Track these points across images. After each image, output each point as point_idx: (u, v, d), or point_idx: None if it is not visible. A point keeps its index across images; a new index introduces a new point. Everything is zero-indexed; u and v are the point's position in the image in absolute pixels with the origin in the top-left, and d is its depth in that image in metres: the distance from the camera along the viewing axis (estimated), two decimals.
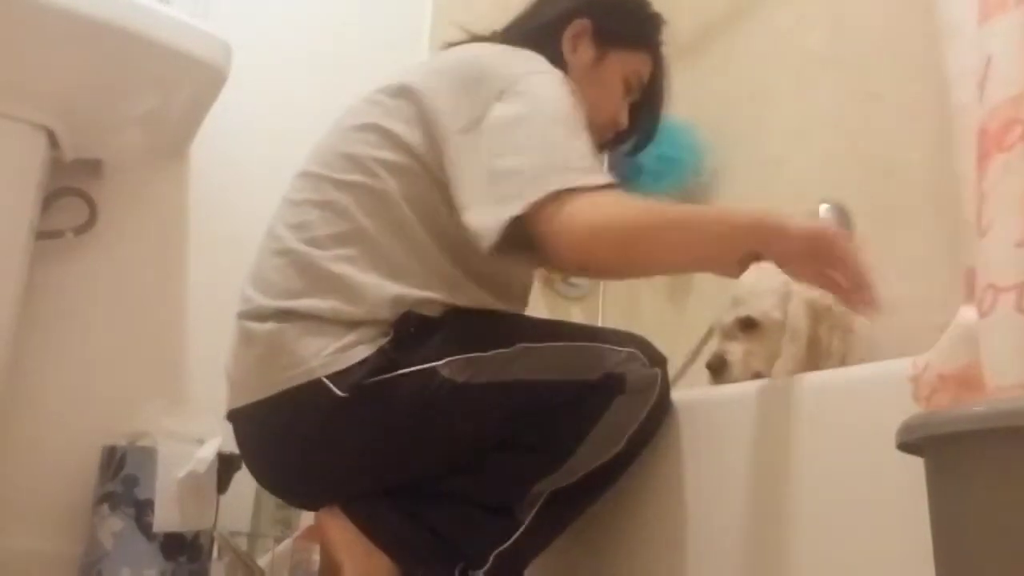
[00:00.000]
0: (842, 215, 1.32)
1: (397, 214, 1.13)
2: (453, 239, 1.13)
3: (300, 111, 1.28)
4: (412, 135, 1.14)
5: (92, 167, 1.74)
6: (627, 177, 2.30)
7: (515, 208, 1.03)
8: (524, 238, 1.05)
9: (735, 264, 1.08)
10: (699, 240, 1.07)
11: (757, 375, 1.22)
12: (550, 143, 1.08)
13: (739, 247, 1.06)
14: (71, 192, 1.71)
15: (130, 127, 1.66)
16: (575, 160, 1.07)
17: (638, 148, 1.45)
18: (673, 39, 2.27)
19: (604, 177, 1.07)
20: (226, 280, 1.21)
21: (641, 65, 1.36)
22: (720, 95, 2.39)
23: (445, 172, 1.12)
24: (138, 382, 1.73)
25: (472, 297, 1.16)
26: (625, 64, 1.34)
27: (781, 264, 1.07)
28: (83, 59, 1.44)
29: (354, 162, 1.16)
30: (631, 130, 1.39)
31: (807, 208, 1.33)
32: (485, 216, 1.06)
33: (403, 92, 1.18)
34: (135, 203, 1.80)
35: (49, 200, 1.64)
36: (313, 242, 1.13)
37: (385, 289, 1.10)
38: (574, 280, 2.23)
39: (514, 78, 1.12)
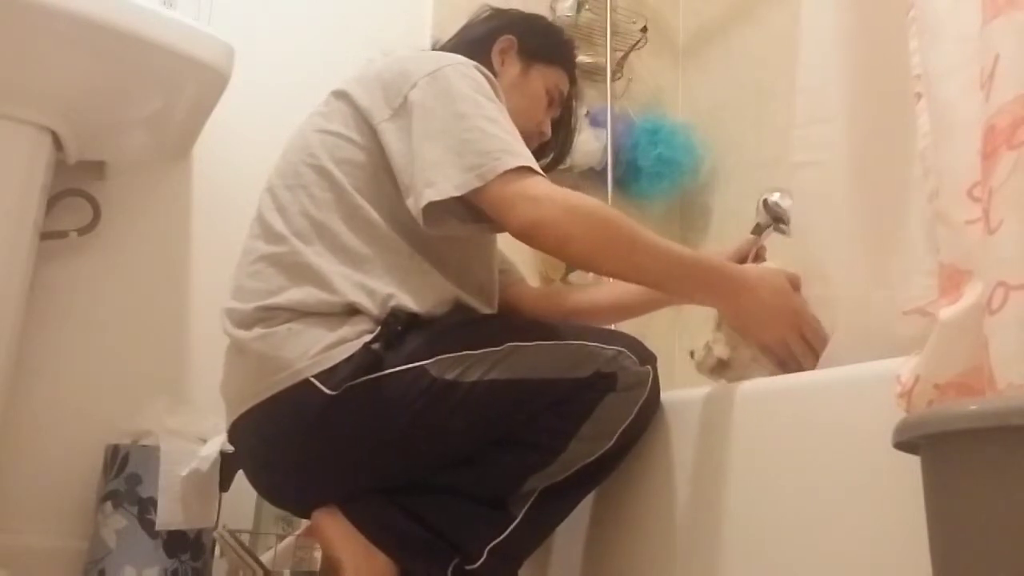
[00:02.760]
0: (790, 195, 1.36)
1: (351, 203, 1.17)
2: (407, 222, 1.16)
3: (302, 113, 1.29)
4: (350, 130, 1.21)
5: (96, 169, 1.75)
6: (625, 178, 2.31)
7: (474, 181, 1.10)
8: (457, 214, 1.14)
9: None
10: (650, 247, 1.14)
11: (719, 362, 1.23)
12: (487, 125, 1.15)
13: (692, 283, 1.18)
14: (75, 193, 1.71)
15: (134, 129, 1.67)
16: (515, 144, 1.15)
17: (556, 162, 1.54)
18: (670, 41, 2.29)
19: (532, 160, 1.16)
20: (228, 280, 1.22)
21: (560, 81, 1.46)
22: (717, 97, 2.40)
23: (387, 158, 1.18)
24: (141, 381, 1.73)
25: (434, 285, 1.18)
26: (547, 78, 1.44)
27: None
28: (87, 62, 1.45)
29: (304, 166, 1.21)
30: (550, 144, 1.49)
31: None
32: (430, 181, 1.11)
33: (336, 96, 1.26)
34: (138, 204, 1.81)
35: (53, 201, 1.65)
36: (280, 242, 1.17)
37: (351, 278, 1.13)
38: (573, 280, 2.24)
39: (434, 68, 1.19)
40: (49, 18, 1.35)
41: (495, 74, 1.35)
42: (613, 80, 2.36)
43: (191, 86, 1.56)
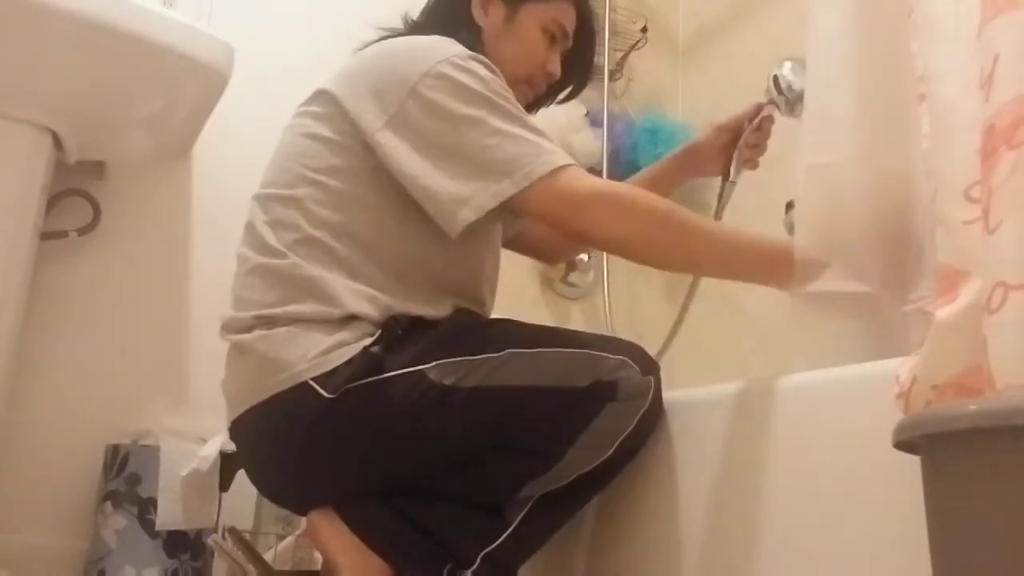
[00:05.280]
0: (802, 69, 1.34)
1: (346, 215, 1.15)
2: (404, 229, 1.16)
3: None
4: (342, 136, 1.17)
5: (96, 169, 1.74)
6: (625, 178, 2.31)
7: (509, 188, 1.08)
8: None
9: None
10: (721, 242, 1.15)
11: None
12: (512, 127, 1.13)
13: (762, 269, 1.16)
14: (75, 193, 1.71)
15: (134, 129, 1.66)
16: (542, 142, 1.13)
17: (572, 95, 1.47)
18: (670, 41, 2.27)
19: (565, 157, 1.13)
20: (228, 280, 1.22)
21: (559, 13, 1.34)
22: (717, 97, 2.40)
23: (382, 164, 1.14)
24: (141, 381, 1.73)
25: (434, 291, 1.17)
26: (541, 14, 1.33)
27: None
28: (87, 62, 1.45)
29: (296, 176, 1.18)
30: (566, 79, 1.40)
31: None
32: (463, 197, 1.09)
33: (322, 96, 1.21)
34: (138, 204, 1.80)
35: (53, 201, 1.65)
36: (275, 254, 1.14)
37: (350, 287, 1.12)
38: (573, 280, 2.24)
39: (429, 66, 1.14)
40: (49, 18, 1.35)
41: (479, 28, 1.31)
42: (613, 80, 2.36)
43: (191, 86, 1.56)
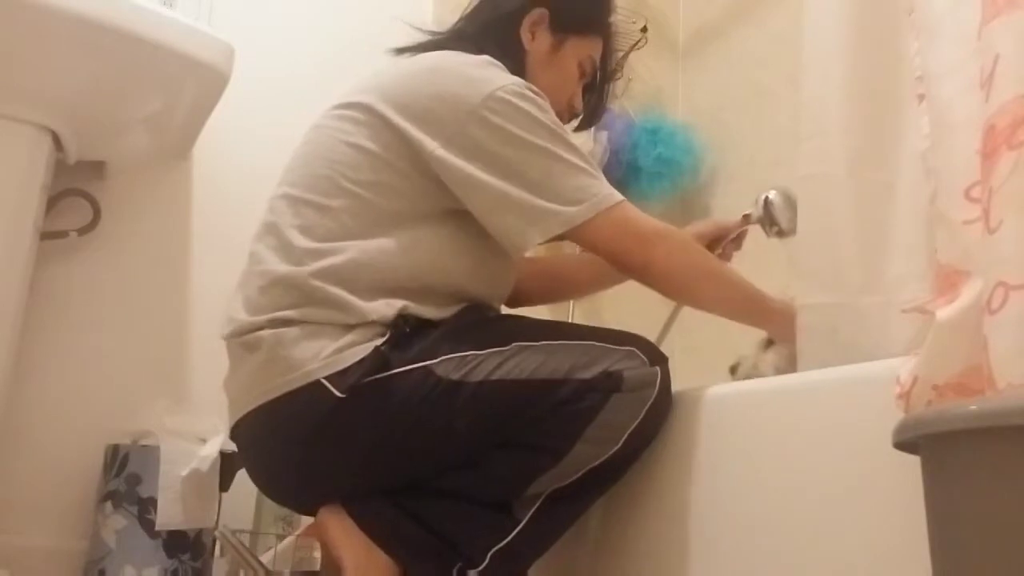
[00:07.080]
0: (788, 200, 1.38)
1: (380, 232, 1.15)
2: (434, 237, 1.17)
3: (302, 113, 1.28)
4: (385, 151, 1.17)
5: (96, 169, 1.74)
6: (625, 178, 2.31)
7: (579, 216, 1.14)
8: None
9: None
10: (744, 298, 1.26)
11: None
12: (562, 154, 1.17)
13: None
14: (75, 193, 1.71)
15: (134, 129, 1.66)
16: (602, 177, 1.19)
17: (581, 128, 1.51)
18: (670, 41, 2.26)
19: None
20: (228, 280, 1.22)
21: (594, 50, 1.40)
22: (717, 97, 2.40)
23: (425, 179, 1.16)
24: (141, 381, 1.73)
25: (452, 295, 1.19)
26: (580, 50, 1.38)
27: None
28: (87, 62, 1.45)
29: (333, 184, 1.17)
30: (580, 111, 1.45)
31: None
32: (533, 216, 1.14)
33: (361, 107, 1.20)
34: (138, 204, 1.80)
35: (53, 201, 1.64)
36: (298, 262, 1.13)
37: (368, 297, 1.12)
38: None
39: (487, 93, 1.16)
40: (49, 18, 1.35)
41: (524, 51, 1.34)
42: (612, 80, 2.36)
43: (191, 86, 1.56)
